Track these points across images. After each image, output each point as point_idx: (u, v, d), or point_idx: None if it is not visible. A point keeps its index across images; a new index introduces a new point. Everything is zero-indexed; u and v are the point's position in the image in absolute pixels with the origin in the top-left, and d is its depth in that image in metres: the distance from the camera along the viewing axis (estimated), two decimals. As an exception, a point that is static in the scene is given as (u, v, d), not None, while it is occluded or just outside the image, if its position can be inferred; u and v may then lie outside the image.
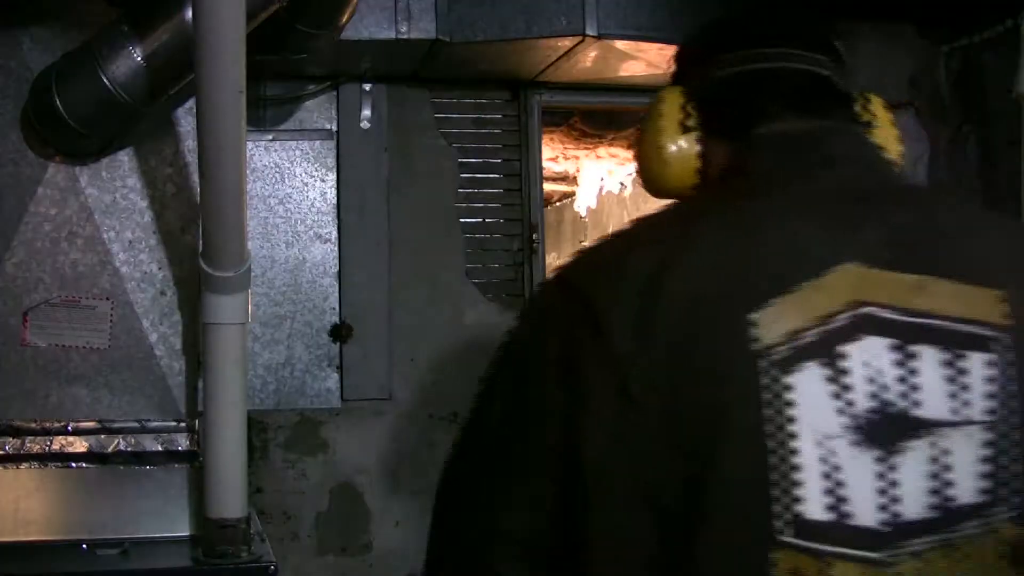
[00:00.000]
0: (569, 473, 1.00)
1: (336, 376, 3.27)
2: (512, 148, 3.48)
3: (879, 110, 1.17)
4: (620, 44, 3.01)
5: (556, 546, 1.03)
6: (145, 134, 2.51)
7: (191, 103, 2.44)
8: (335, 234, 3.28)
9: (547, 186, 3.53)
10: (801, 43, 1.14)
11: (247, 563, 2.13)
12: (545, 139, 3.59)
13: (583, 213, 5.31)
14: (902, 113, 3.79)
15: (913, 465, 0.93)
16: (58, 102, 2.31)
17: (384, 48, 2.98)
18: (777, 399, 0.93)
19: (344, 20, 2.62)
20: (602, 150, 3.87)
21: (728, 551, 0.93)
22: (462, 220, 3.42)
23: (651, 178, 1.20)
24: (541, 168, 3.50)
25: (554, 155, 3.88)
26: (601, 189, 4.90)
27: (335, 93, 3.31)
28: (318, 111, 3.31)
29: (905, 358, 0.95)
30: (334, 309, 3.27)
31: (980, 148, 3.84)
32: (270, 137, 3.25)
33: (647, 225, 1.10)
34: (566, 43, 3.00)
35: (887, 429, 0.94)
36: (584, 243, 5.25)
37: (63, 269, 2.46)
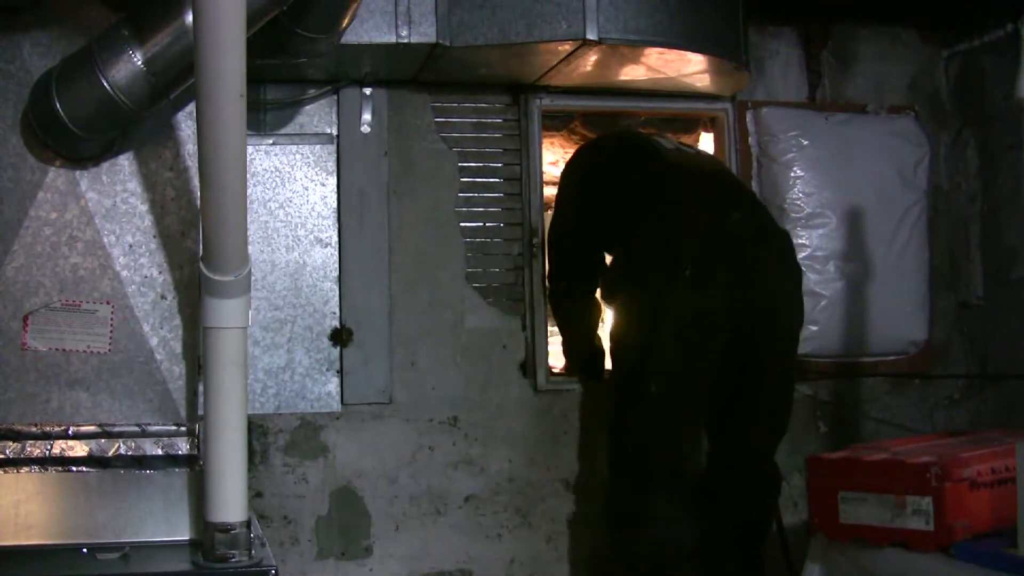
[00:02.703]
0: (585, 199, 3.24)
1: (336, 380, 3.27)
2: (512, 152, 3.48)
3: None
4: (620, 48, 3.02)
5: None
6: (145, 138, 2.52)
7: (191, 107, 2.44)
8: (335, 238, 3.28)
9: (547, 190, 3.53)
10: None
11: (247, 567, 2.12)
12: (545, 143, 3.59)
13: (583, 216, 5.32)
14: (903, 117, 3.79)
15: None
16: (58, 106, 2.31)
17: (384, 52, 2.98)
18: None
19: (345, 24, 2.62)
20: (602, 154, 3.87)
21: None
22: (462, 224, 3.42)
23: None
24: (541, 172, 3.50)
25: (555, 159, 3.87)
26: (601, 193, 4.92)
27: (335, 97, 3.31)
28: (318, 115, 3.31)
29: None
30: (334, 313, 3.27)
31: (980, 152, 3.84)
32: (270, 141, 3.26)
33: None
34: (566, 47, 3.00)
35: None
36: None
37: (63, 273, 2.46)
